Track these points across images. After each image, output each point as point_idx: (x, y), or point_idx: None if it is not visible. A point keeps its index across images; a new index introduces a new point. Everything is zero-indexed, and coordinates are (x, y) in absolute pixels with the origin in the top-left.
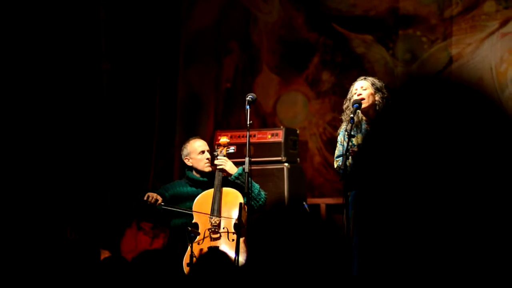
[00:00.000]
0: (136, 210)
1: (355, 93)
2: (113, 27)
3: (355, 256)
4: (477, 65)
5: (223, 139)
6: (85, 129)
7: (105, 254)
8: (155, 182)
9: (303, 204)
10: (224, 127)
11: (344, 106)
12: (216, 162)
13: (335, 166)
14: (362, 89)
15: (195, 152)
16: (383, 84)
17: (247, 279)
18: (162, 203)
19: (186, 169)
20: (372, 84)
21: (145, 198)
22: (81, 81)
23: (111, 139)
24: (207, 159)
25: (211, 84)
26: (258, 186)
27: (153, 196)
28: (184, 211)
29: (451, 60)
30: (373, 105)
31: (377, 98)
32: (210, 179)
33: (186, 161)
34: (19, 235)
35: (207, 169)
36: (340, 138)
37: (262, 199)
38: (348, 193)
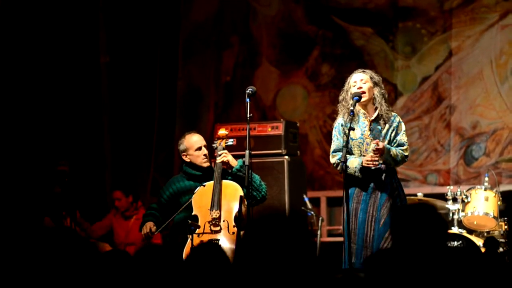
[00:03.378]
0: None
1: (354, 85)
2: (112, 20)
3: (358, 250)
4: (477, 57)
5: (222, 131)
6: (84, 123)
7: (105, 247)
8: (155, 175)
9: (304, 211)
10: (224, 120)
11: (340, 98)
12: (218, 159)
13: (332, 161)
14: (362, 82)
15: (192, 148)
16: (381, 79)
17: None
18: (156, 229)
19: (184, 164)
20: (371, 78)
21: (143, 238)
22: (80, 74)
23: (111, 133)
24: (205, 155)
25: (211, 77)
26: (259, 177)
27: (146, 232)
28: (172, 217)
29: (450, 53)
30: (371, 98)
31: (375, 92)
32: (206, 172)
33: (183, 157)
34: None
35: (205, 164)
36: (335, 132)
37: (264, 190)
38: (344, 190)
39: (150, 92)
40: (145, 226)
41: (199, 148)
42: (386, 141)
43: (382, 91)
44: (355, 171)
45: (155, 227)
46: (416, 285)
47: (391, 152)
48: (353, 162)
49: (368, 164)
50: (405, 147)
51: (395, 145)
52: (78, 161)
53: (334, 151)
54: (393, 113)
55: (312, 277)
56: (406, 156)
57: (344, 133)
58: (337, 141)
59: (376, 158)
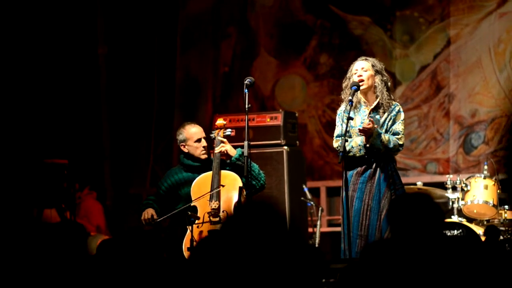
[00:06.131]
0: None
1: (355, 73)
2: (110, 11)
3: (357, 237)
4: (475, 45)
5: (220, 121)
6: (83, 114)
7: (101, 237)
8: (155, 166)
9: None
10: (223, 111)
11: (344, 85)
12: (216, 149)
13: (334, 145)
14: (363, 70)
15: (192, 139)
16: (383, 67)
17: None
18: (157, 218)
19: (181, 155)
20: (373, 66)
21: (144, 224)
22: (78, 65)
23: (110, 124)
24: (204, 147)
25: (209, 68)
26: (257, 166)
27: (146, 218)
28: (177, 210)
29: (449, 41)
30: (372, 87)
31: (376, 80)
32: (204, 163)
33: (182, 147)
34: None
35: (204, 156)
36: (338, 118)
37: (263, 179)
38: (346, 174)
39: (149, 83)
40: (146, 212)
41: (199, 140)
42: (383, 130)
43: (384, 78)
44: (359, 149)
45: (156, 216)
46: (415, 275)
47: (382, 137)
48: (357, 141)
49: (363, 129)
50: (399, 136)
51: (391, 133)
52: (77, 153)
53: (338, 136)
54: (394, 102)
55: (309, 268)
56: (401, 145)
57: (345, 120)
58: (340, 126)
59: (369, 126)
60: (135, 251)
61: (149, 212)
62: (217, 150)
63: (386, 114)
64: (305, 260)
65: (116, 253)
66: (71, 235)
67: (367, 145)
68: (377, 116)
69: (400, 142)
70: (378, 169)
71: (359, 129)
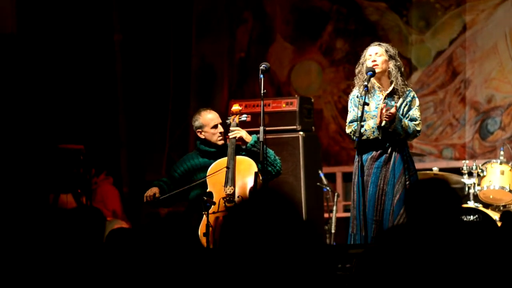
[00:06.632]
0: (149, 205)
1: (368, 59)
2: None
3: (372, 222)
4: (491, 31)
5: (235, 107)
6: (99, 101)
7: (117, 222)
8: (171, 153)
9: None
10: (239, 97)
11: (357, 71)
12: (231, 135)
13: (347, 131)
14: (377, 55)
15: (208, 125)
16: (397, 52)
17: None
18: (159, 196)
19: (198, 141)
20: (386, 51)
21: (144, 201)
22: (93, 52)
23: (126, 110)
24: (220, 133)
25: (225, 54)
26: (273, 152)
27: (149, 195)
28: (180, 189)
29: (465, 27)
30: (385, 72)
31: (390, 65)
32: (220, 149)
33: (198, 133)
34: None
35: (221, 142)
36: (351, 103)
37: (278, 165)
38: (361, 159)
39: (164, 69)
40: (150, 190)
41: (215, 126)
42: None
43: (398, 64)
44: (373, 131)
45: (159, 194)
46: (432, 260)
47: (402, 123)
48: (370, 123)
49: (382, 115)
50: (417, 122)
51: (408, 119)
52: (93, 139)
53: (351, 122)
54: (408, 88)
55: (323, 255)
56: (418, 131)
57: (359, 106)
58: (353, 111)
59: (393, 111)
60: (153, 238)
61: (152, 190)
62: (231, 136)
63: (401, 100)
64: (317, 249)
65: (130, 241)
66: (89, 220)
67: (390, 130)
68: (392, 102)
69: (418, 128)
70: (394, 153)
71: (386, 115)
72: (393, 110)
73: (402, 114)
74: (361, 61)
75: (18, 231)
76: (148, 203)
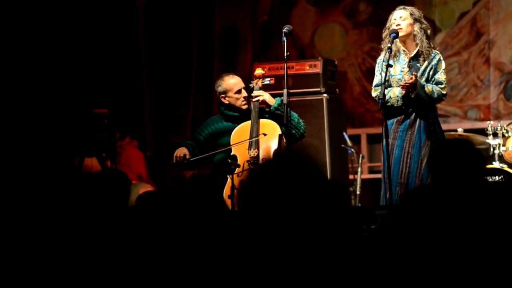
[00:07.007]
0: (176, 167)
1: (393, 23)
2: None
3: (397, 185)
4: None
5: (258, 71)
6: (122, 65)
7: (142, 186)
8: (195, 115)
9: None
10: (263, 60)
11: (383, 35)
12: (254, 99)
13: (373, 95)
14: (401, 19)
15: (232, 91)
16: (422, 14)
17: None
18: (190, 157)
19: (221, 105)
20: (411, 14)
21: (174, 161)
22: (117, 16)
23: (149, 75)
24: (244, 97)
25: (248, 17)
26: (297, 115)
27: (179, 155)
28: (211, 153)
29: None
30: (411, 35)
31: (415, 28)
32: (244, 113)
33: (222, 99)
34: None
35: (245, 107)
36: (377, 67)
37: (302, 127)
38: (386, 122)
39: (188, 32)
40: (180, 150)
41: (239, 91)
42: (424, 79)
43: (423, 26)
44: (397, 100)
45: (189, 155)
46: (456, 221)
47: (426, 88)
48: (395, 91)
49: (405, 85)
50: (443, 86)
51: (433, 83)
52: (117, 103)
53: (376, 85)
54: (434, 51)
55: (350, 215)
56: (444, 95)
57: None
58: (379, 75)
59: (410, 81)
60: (179, 201)
61: (182, 151)
62: (255, 98)
63: (426, 63)
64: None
65: (160, 205)
66: (114, 183)
67: (412, 96)
68: (417, 64)
69: (444, 92)
70: (418, 117)
71: (401, 86)
72: (409, 80)
73: (427, 78)
74: (387, 25)
75: (43, 197)
76: (177, 163)
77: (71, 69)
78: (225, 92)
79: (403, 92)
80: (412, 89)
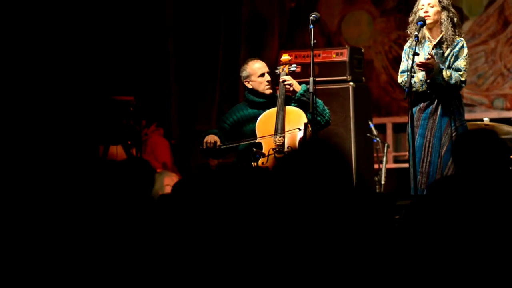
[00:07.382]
0: (204, 154)
1: (421, 9)
2: None
3: (418, 174)
4: None
5: (285, 57)
6: (149, 50)
7: (167, 174)
8: (221, 103)
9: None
10: (289, 48)
11: (410, 19)
12: (280, 85)
13: (399, 81)
14: (429, 6)
15: (255, 74)
16: (450, 2)
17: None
18: (221, 144)
19: (246, 91)
20: (440, 1)
21: (204, 147)
22: (143, 3)
23: (176, 62)
24: (268, 81)
25: (275, 4)
26: (322, 102)
27: (210, 141)
28: (244, 142)
29: None
30: (437, 22)
31: (443, 16)
32: (269, 99)
33: (246, 83)
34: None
35: (268, 91)
36: (404, 54)
37: (327, 115)
38: (410, 109)
39: (215, 19)
40: (210, 137)
41: (262, 75)
42: (446, 65)
43: (451, 14)
44: (421, 84)
45: (220, 143)
46: (480, 211)
47: (443, 73)
48: (419, 76)
49: (422, 64)
50: (461, 72)
51: (453, 69)
52: (143, 90)
53: (402, 72)
54: (458, 38)
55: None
56: (463, 82)
57: (411, 56)
58: (405, 61)
59: (427, 61)
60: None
61: (213, 138)
62: (287, 82)
63: (449, 50)
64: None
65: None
66: (138, 172)
67: (428, 80)
68: (441, 51)
69: (462, 79)
70: (440, 105)
71: (416, 64)
72: (428, 60)
73: (449, 64)
74: (414, 9)
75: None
76: (207, 149)
77: (98, 56)
78: (248, 76)
79: (426, 75)
80: (427, 73)
